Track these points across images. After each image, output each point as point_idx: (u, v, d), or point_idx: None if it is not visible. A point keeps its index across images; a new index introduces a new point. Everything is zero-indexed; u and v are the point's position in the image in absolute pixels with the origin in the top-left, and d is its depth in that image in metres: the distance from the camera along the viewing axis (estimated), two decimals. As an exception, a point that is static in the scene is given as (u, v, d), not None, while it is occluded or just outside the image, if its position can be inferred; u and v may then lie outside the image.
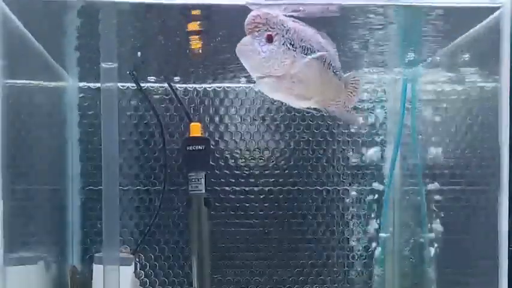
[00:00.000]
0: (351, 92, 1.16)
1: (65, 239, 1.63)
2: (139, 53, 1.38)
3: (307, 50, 1.03)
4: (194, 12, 1.15)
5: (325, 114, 1.72)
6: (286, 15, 1.03)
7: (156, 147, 1.68)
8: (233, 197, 1.71)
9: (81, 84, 1.67)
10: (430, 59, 1.47)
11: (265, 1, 1.01)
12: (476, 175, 1.27)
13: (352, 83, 1.16)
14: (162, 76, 1.62)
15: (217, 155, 1.70)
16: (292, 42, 1.00)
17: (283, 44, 0.99)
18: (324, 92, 1.09)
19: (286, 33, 1.00)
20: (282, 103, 1.71)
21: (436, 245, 1.51)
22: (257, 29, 0.98)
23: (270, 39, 0.98)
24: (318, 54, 1.03)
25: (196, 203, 1.56)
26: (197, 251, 1.56)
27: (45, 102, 1.47)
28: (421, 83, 1.58)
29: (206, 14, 1.16)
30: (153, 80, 1.65)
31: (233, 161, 1.71)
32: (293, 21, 1.03)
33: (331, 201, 1.73)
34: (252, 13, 0.99)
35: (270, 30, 0.98)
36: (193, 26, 1.23)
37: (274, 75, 1.00)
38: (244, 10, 1.09)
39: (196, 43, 1.34)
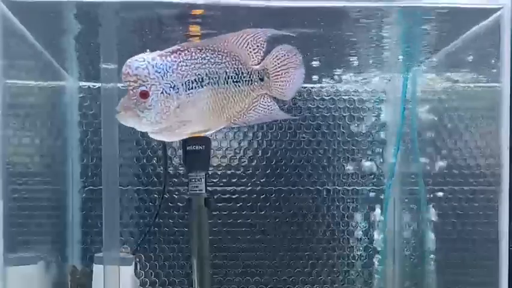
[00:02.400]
0: (278, 77, 1.08)
1: (65, 239, 1.63)
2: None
3: (194, 83, 0.98)
4: (194, 12, 1.15)
5: (326, 115, 1.72)
6: (170, 51, 0.98)
7: (156, 147, 1.68)
8: (233, 197, 1.71)
9: (81, 84, 1.67)
10: (430, 59, 1.47)
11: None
12: (477, 175, 1.27)
13: (274, 67, 1.07)
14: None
15: (217, 155, 1.70)
16: (173, 84, 0.96)
17: (161, 93, 0.95)
18: (231, 109, 1.04)
19: (163, 78, 0.96)
20: (282, 103, 1.71)
21: (436, 245, 1.51)
22: (130, 87, 0.94)
23: (144, 95, 0.94)
24: (205, 87, 0.99)
25: (196, 203, 1.56)
26: (197, 251, 1.55)
27: (45, 102, 1.47)
28: (421, 83, 1.58)
29: (206, 13, 1.16)
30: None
31: (233, 161, 1.71)
32: (178, 53, 0.98)
33: (331, 201, 1.73)
34: (123, 71, 0.95)
35: (144, 85, 0.94)
36: (194, 28, 1.23)
37: (162, 127, 0.97)
38: (245, 10, 1.09)
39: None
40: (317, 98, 1.72)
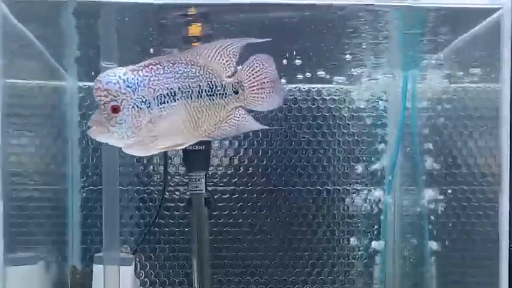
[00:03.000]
0: (254, 88, 1.05)
1: (65, 239, 1.63)
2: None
3: (166, 97, 0.98)
4: (194, 12, 1.15)
5: (326, 114, 1.72)
6: (142, 66, 0.98)
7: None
8: (233, 197, 1.71)
9: (81, 84, 1.67)
10: (430, 59, 1.47)
11: None
12: (477, 175, 1.27)
13: (248, 80, 1.05)
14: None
15: (217, 155, 1.70)
16: (145, 99, 0.96)
17: (133, 108, 0.95)
18: (205, 123, 1.03)
19: (135, 93, 0.95)
20: (283, 103, 1.71)
21: (436, 245, 1.51)
22: (102, 102, 0.94)
23: (115, 110, 0.94)
24: (177, 101, 0.98)
25: (196, 203, 1.56)
26: (197, 250, 1.55)
27: (45, 102, 1.47)
28: (422, 83, 1.58)
29: (206, 14, 1.16)
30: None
31: (233, 161, 1.71)
32: (150, 67, 0.98)
33: (331, 201, 1.73)
34: (94, 86, 0.95)
35: (115, 100, 0.94)
36: (194, 29, 1.23)
37: (134, 141, 0.97)
38: (245, 10, 1.09)
39: (195, 43, 1.34)
40: (317, 98, 1.72)
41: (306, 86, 1.71)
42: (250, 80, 1.06)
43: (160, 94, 0.98)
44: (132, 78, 0.96)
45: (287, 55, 1.45)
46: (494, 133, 1.11)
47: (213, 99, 1.03)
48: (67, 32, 1.27)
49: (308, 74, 1.62)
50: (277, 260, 1.72)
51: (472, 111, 1.33)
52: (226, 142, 1.71)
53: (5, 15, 1.05)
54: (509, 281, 1.10)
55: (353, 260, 1.73)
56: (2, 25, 1.04)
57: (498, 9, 1.09)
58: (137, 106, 0.96)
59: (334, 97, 1.72)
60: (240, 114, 1.07)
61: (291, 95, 1.71)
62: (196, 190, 1.56)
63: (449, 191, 1.44)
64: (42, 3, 1.08)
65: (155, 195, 1.69)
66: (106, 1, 1.07)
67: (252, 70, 1.06)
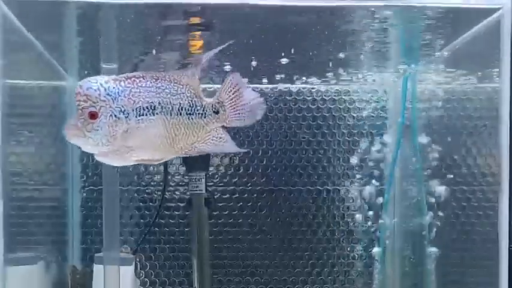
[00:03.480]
0: (235, 107, 1.07)
1: (65, 239, 1.63)
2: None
3: (145, 110, 0.99)
4: (194, 12, 1.15)
5: (326, 115, 1.72)
6: (125, 77, 0.99)
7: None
8: (233, 197, 1.71)
9: (81, 84, 1.66)
10: (430, 59, 1.47)
11: None
12: (477, 175, 1.27)
13: (230, 99, 1.07)
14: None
15: (217, 155, 1.70)
16: (124, 109, 0.96)
17: (110, 116, 0.96)
18: (182, 140, 1.04)
19: (114, 102, 0.96)
20: (283, 103, 1.72)
21: (436, 245, 1.51)
22: (80, 107, 0.95)
23: (93, 116, 0.95)
24: (156, 116, 0.99)
25: (196, 203, 1.56)
26: (197, 250, 1.55)
27: (45, 102, 1.47)
28: (422, 82, 1.58)
29: (206, 14, 1.16)
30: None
31: (233, 161, 1.71)
32: (133, 80, 0.99)
33: (331, 201, 1.73)
34: (75, 90, 0.96)
35: (93, 106, 0.95)
36: (194, 28, 1.23)
37: (109, 150, 0.97)
38: (245, 10, 1.09)
39: (195, 44, 1.34)
40: (317, 98, 1.72)
41: (306, 86, 1.71)
42: (232, 99, 1.07)
43: (140, 106, 0.99)
44: (114, 87, 0.97)
45: (287, 55, 1.45)
46: (494, 133, 1.11)
47: (192, 119, 1.04)
48: (67, 32, 1.27)
49: (308, 74, 1.62)
50: (277, 260, 1.72)
51: (472, 111, 1.33)
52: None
53: (5, 15, 1.05)
54: (509, 281, 1.10)
55: (353, 260, 1.73)
56: (2, 25, 1.04)
57: (498, 9, 1.09)
58: (115, 115, 0.97)
59: (334, 97, 1.72)
60: (218, 135, 1.08)
61: (292, 95, 1.71)
62: (196, 190, 1.56)
63: (449, 191, 1.44)
64: (42, 3, 1.08)
65: (155, 195, 1.69)
66: (106, 1, 1.07)
67: (232, 89, 1.07)
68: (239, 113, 1.08)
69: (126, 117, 0.97)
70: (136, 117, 0.98)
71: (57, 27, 1.22)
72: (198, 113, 1.04)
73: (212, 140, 1.07)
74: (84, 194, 1.68)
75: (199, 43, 1.32)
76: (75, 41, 1.33)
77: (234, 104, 1.07)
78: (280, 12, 1.13)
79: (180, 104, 1.02)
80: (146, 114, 0.99)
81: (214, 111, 1.06)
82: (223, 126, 1.08)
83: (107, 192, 1.24)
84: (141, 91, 0.99)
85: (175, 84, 1.02)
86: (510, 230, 1.10)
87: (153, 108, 0.99)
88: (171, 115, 1.01)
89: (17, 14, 1.09)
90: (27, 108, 1.29)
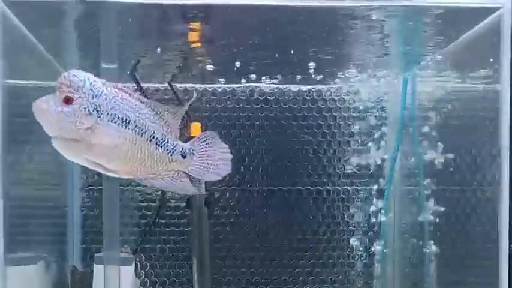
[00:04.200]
0: (202, 159, 1.11)
1: (65, 239, 1.63)
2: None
3: (119, 120, 1.00)
4: (194, 12, 1.15)
5: (326, 114, 1.72)
6: (114, 85, 1.00)
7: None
8: (233, 197, 1.71)
9: (81, 84, 1.66)
10: (430, 59, 1.47)
11: None
12: (477, 175, 1.27)
13: (200, 149, 1.10)
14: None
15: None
16: (99, 109, 0.98)
17: (84, 108, 0.97)
18: (142, 165, 1.05)
19: (93, 99, 0.97)
20: (283, 103, 1.72)
21: (436, 245, 1.51)
22: (60, 89, 0.96)
23: (68, 101, 0.96)
24: (127, 130, 1.01)
25: (196, 203, 1.56)
26: (197, 251, 1.56)
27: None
28: (421, 82, 1.58)
29: (206, 14, 1.16)
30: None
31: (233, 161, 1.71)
32: (120, 91, 1.01)
33: (331, 201, 1.73)
34: (62, 74, 0.97)
35: (72, 93, 0.96)
36: (194, 27, 1.23)
37: (67, 137, 0.98)
38: (246, 10, 1.09)
39: (196, 44, 1.34)
40: (317, 98, 1.72)
41: (306, 87, 1.71)
42: (202, 152, 1.11)
43: (115, 114, 1.00)
44: (99, 87, 0.99)
45: (288, 55, 1.45)
46: (494, 133, 1.11)
47: (159, 150, 1.06)
48: (67, 32, 1.27)
49: (308, 74, 1.62)
50: (277, 260, 1.72)
51: (472, 111, 1.33)
52: (226, 142, 1.71)
53: (5, 15, 1.05)
54: (509, 281, 1.10)
55: (353, 260, 1.73)
56: (2, 25, 1.04)
57: (498, 8, 1.09)
58: (88, 110, 0.98)
59: (334, 97, 1.72)
60: (179, 177, 1.10)
61: (292, 95, 1.71)
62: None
63: (449, 191, 1.44)
64: (42, 3, 1.08)
65: (155, 195, 1.69)
66: (106, 1, 1.07)
67: (206, 145, 1.11)
68: (203, 167, 1.11)
69: (98, 116, 0.99)
70: (108, 121, 0.99)
71: (58, 27, 1.22)
72: (167, 149, 1.07)
73: (172, 179, 1.10)
74: (84, 194, 1.68)
75: (196, 33, 1.32)
76: (75, 41, 1.33)
77: (202, 158, 1.11)
78: (280, 12, 1.13)
79: (154, 132, 1.05)
80: (118, 124, 1.00)
81: (182, 155, 1.09)
82: (184, 172, 1.10)
83: (107, 192, 1.24)
84: (122, 103, 1.01)
85: (156, 114, 1.05)
86: (510, 230, 1.10)
87: (127, 122, 1.01)
88: (141, 136, 1.03)
89: (17, 14, 1.09)
90: (27, 108, 1.29)
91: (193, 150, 1.10)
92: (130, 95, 1.02)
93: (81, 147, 0.99)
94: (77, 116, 0.97)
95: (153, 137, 1.05)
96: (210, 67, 1.56)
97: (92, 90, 0.98)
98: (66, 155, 1.02)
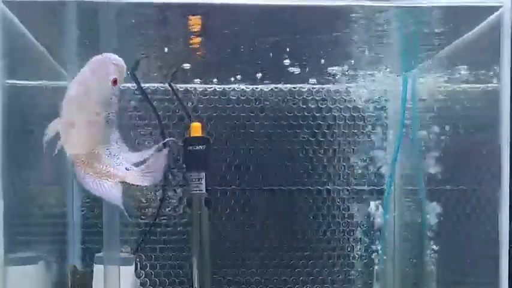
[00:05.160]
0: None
1: (65, 239, 1.63)
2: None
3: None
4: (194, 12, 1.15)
5: (326, 114, 1.72)
6: None
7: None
8: (233, 197, 1.71)
9: (81, 84, 1.66)
10: (430, 59, 1.47)
11: None
12: (476, 175, 1.27)
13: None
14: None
15: (218, 155, 1.70)
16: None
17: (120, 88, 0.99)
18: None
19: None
20: (283, 103, 1.72)
21: (436, 245, 1.51)
22: (105, 70, 0.99)
23: (115, 82, 0.98)
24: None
25: (196, 203, 1.56)
26: (198, 250, 1.56)
27: (45, 102, 1.47)
28: (422, 82, 1.58)
29: (207, 14, 1.16)
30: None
31: (233, 161, 1.71)
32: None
33: (332, 201, 1.73)
34: (105, 56, 1.00)
35: (118, 73, 0.98)
36: (194, 26, 1.23)
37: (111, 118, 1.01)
38: (246, 10, 1.09)
39: (196, 44, 1.34)
40: (318, 97, 1.72)
41: (306, 86, 1.71)
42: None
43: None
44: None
45: (287, 55, 1.45)
46: (494, 133, 1.11)
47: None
48: (67, 32, 1.27)
49: (308, 74, 1.62)
50: (277, 260, 1.72)
51: (471, 111, 1.33)
52: (226, 142, 1.71)
53: (5, 15, 1.05)
54: (509, 281, 1.10)
55: (353, 260, 1.73)
56: (2, 25, 1.04)
57: (498, 7, 1.09)
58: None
59: (334, 97, 1.72)
60: (111, 185, 1.08)
61: (292, 95, 1.71)
62: (196, 190, 1.56)
63: (449, 191, 1.44)
64: (42, 3, 1.08)
65: (155, 196, 1.68)
66: (106, 1, 1.07)
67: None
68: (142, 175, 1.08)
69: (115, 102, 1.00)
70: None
71: (58, 26, 1.22)
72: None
73: (103, 187, 1.07)
74: (84, 194, 1.68)
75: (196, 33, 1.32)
76: (76, 41, 1.33)
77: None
78: (281, 12, 1.13)
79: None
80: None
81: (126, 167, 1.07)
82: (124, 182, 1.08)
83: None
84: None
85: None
86: (510, 230, 1.10)
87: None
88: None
89: (17, 14, 1.09)
90: (27, 108, 1.29)
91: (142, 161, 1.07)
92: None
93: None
94: (113, 97, 1.00)
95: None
96: (210, 67, 1.56)
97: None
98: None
